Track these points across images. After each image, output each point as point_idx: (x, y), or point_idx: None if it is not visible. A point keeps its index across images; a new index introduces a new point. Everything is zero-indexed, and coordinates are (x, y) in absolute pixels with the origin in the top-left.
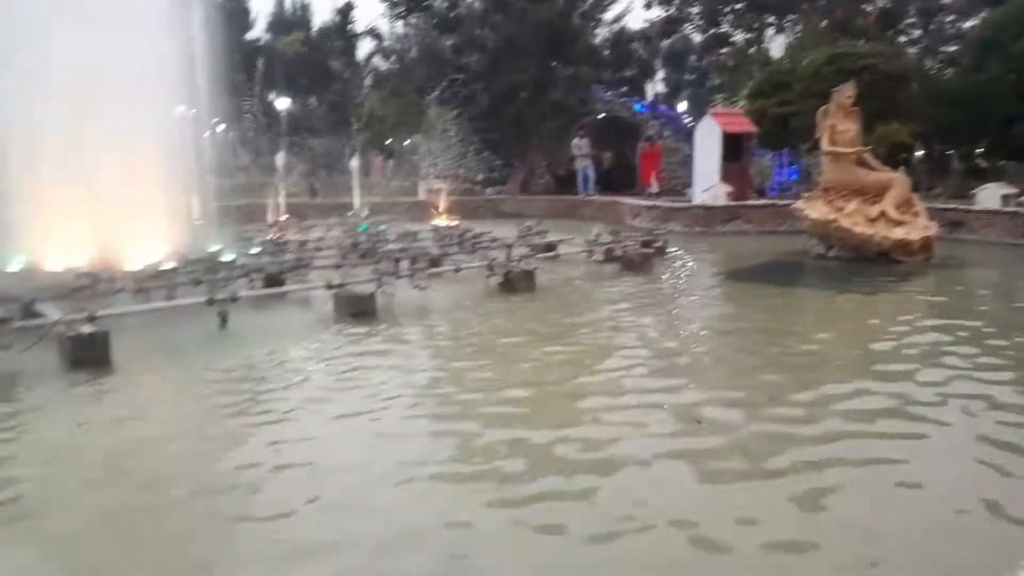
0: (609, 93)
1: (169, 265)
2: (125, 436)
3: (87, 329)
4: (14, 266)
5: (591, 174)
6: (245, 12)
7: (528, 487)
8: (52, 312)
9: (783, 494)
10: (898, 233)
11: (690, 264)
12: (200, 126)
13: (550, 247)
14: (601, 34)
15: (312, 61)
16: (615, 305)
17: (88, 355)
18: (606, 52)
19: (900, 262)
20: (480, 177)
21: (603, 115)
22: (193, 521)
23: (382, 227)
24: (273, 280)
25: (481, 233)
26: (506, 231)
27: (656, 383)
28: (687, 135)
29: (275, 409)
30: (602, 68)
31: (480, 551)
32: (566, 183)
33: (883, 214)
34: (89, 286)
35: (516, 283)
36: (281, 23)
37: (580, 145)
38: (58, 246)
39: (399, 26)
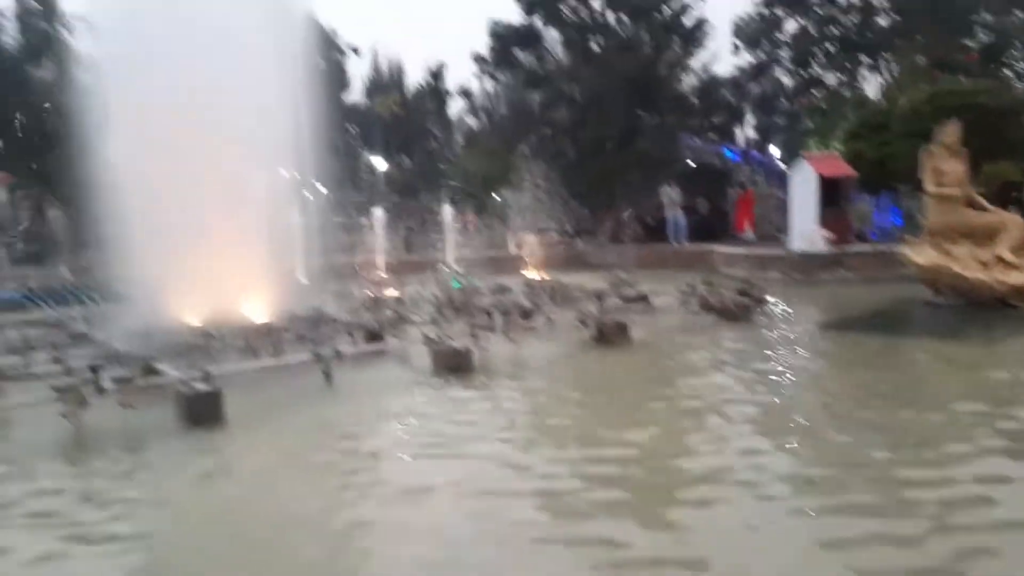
0: (698, 140)
1: (275, 322)
2: (239, 489)
3: (202, 387)
4: (135, 325)
5: (682, 222)
6: (343, 75)
7: (630, 552)
8: (170, 371)
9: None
10: (1015, 277)
11: (791, 314)
12: (301, 186)
13: (643, 298)
14: (688, 81)
15: (406, 121)
16: (714, 358)
17: (203, 412)
18: (694, 99)
19: (1017, 307)
20: (569, 229)
21: (692, 162)
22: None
23: (475, 281)
24: (373, 336)
25: (572, 285)
26: (597, 282)
27: (763, 443)
28: (780, 180)
29: (380, 466)
30: (690, 115)
31: None
32: (656, 232)
33: (998, 258)
34: (203, 345)
35: (610, 336)
36: (377, 85)
37: (669, 193)
38: (174, 305)
39: (488, 84)
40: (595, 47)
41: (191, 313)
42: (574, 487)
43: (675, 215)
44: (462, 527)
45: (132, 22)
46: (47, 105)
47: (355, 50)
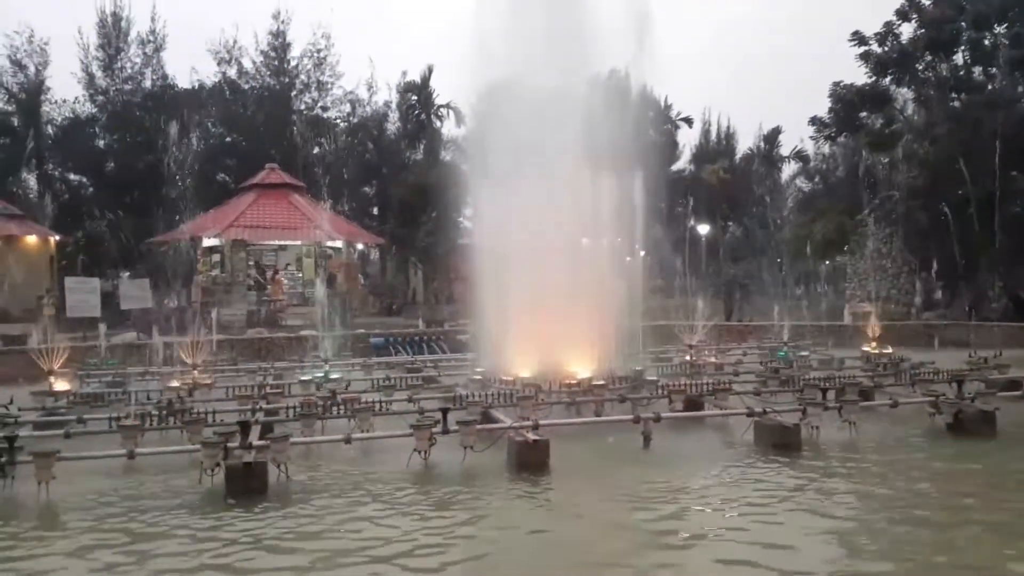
0: None
1: (599, 382)
2: (560, 532)
3: (532, 436)
4: (476, 374)
5: None
6: (674, 145)
7: None
8: (504, 418)
9: None
10: None
11: None
12: (625, 252)
13: (1015, 384)
14: None
15: (734, 186)
16: None
17: (531, 459)
18: None
19: None
20: (917, 300)
21: None
22: None
23: (803, 352)
24: (692, 403)
25: (921, 363)
26: (952, 362)
27: None
28: None
29: (692, 532)
30: None
31: None
32: None
33: None
34: (533, 396)
35: (970, 425)
36: (706, 152)
37: None
38: (510, 359)
39: (825, 147)
40: (956, 104)
41: (525, 367)
42: None
43: None
44: None
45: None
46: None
47: (687, 120)
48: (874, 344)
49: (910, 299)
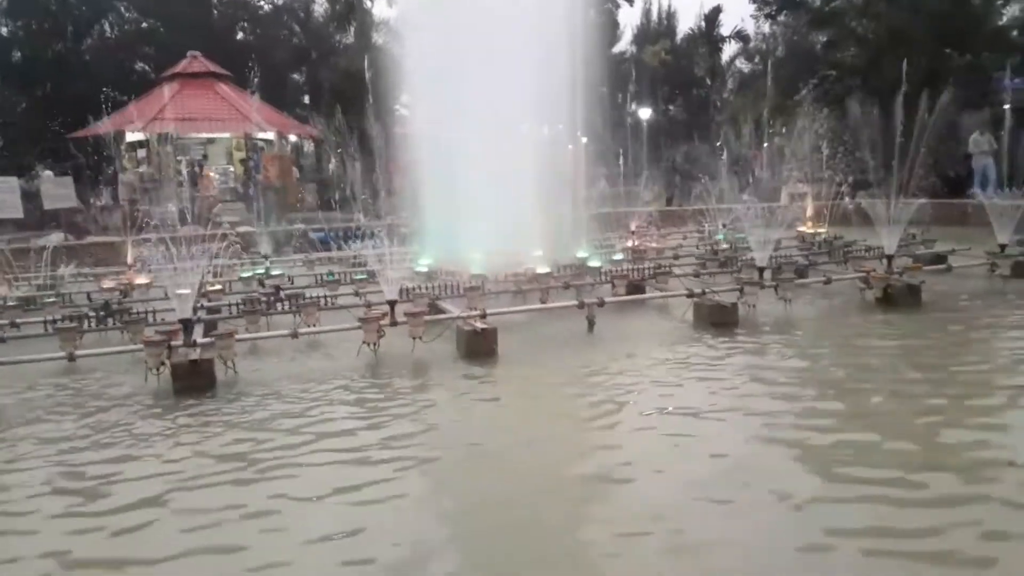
0: (1019, 80)
1: (543, 270)
2: (505, 414)
3: (479, 325)
4: (422, 266)
5: (992, 174)
6: (615, 25)
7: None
8: (452, 309)
9: None
10: None
11: None
12: (566, 139)
13: (940, 258)
14: (1010, 13)
15: (674, 69)
16: None
17: (480, 347)
18: (1014, 33)
19: None
20: (850, 180)
21: (1011, 106)
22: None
23: (740, 235)
24: (635, 287)
25: (853, 241)
26: (884, 240)
27: None
28: None
29: (630, 410)
30: (1010, 53)
31: None
32: (957, 185)
33: None
34: (479, 287)
35: (897, 298)
36: (647, 33)
37: (979, 141)
38: (454, 250)
39: (765, 27)
40: None
41: (469, 258)
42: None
43: (984, 165)
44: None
45: None
46: (349, 68)
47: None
48: (809, 224)
49: (844, 179)
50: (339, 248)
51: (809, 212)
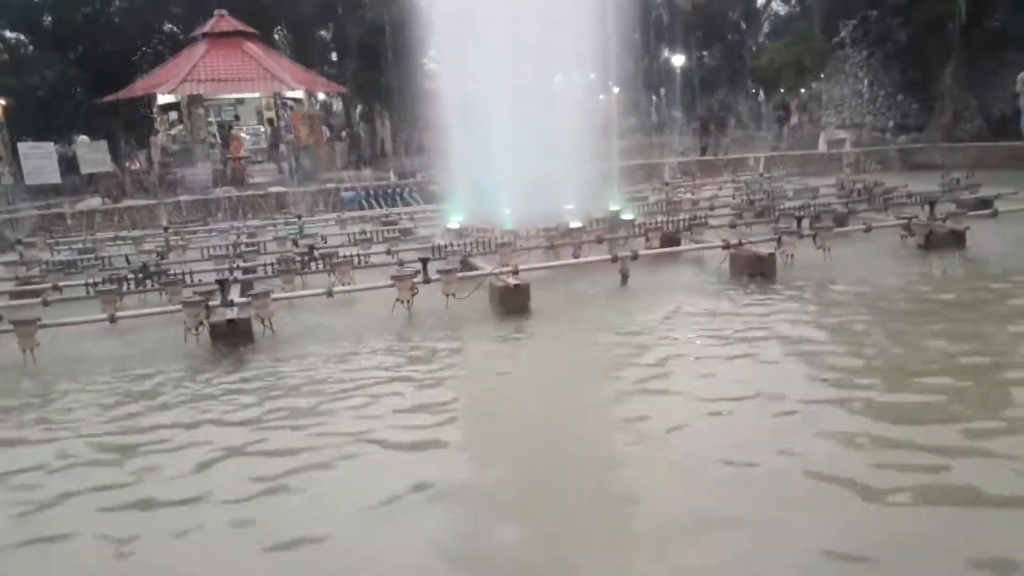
0: None
1: (576, 224)
2: (542, 368)
3: (512, 281)
4: (453, 223)
5: None
6: None
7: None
8: (484, 265)
9: None
10: None
11: None
12: (599, 89)
13: (985, 203)
14: None
15: (708, 13)
16: None
17: (513, 303)
18: None
19: None
20: (891, 124)
21: None
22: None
23: (779, 183)
24: (669, 239)
25: (894, 187)
26: (925, 185)
27: None
28: None
29: (670, 359)
30: None
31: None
32: (1004, 127)
33: None
34: (511, 243)
35: (940, 245)
36: None
37: None
38: (486, 208)
39: None
40: None
41: (501, 214)
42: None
43: None
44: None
45: None
46: (376, 21)
47: None
48: (850, 170)
49: (885, 123)
50: (370, 207)
51: (849, 159)
